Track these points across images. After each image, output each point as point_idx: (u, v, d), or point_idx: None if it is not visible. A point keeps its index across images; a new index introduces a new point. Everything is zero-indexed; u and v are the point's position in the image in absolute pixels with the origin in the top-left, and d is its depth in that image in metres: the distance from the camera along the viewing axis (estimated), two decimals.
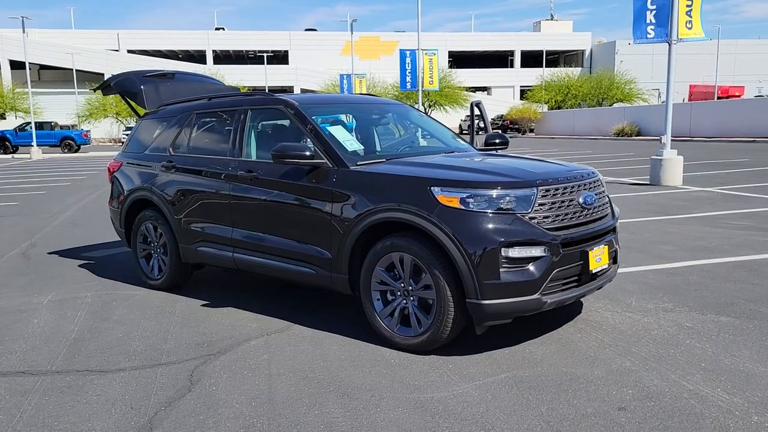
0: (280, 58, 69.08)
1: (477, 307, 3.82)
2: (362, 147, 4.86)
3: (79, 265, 7.21)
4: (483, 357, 4.02)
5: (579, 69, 70.05)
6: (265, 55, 62.07)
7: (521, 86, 70.30)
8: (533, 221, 3.91)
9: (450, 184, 3.99)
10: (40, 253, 7.99)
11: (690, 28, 12.63)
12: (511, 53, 72.46)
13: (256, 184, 4.95)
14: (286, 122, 5.13)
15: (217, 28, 72.73)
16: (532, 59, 72.55)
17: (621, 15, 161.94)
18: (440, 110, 59.65)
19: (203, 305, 5.41)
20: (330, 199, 4.45)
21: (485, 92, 69.23)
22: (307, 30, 74.33)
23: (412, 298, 4.13)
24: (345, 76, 40.29)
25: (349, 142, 4.79)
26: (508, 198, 3.90)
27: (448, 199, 3.91)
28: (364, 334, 4.48)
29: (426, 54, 27.86)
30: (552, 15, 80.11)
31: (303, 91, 68.04)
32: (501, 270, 3.79)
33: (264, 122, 5.39)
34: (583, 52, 73.08)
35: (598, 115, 47.00)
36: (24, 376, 4.00)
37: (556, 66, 71.36)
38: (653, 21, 12.61)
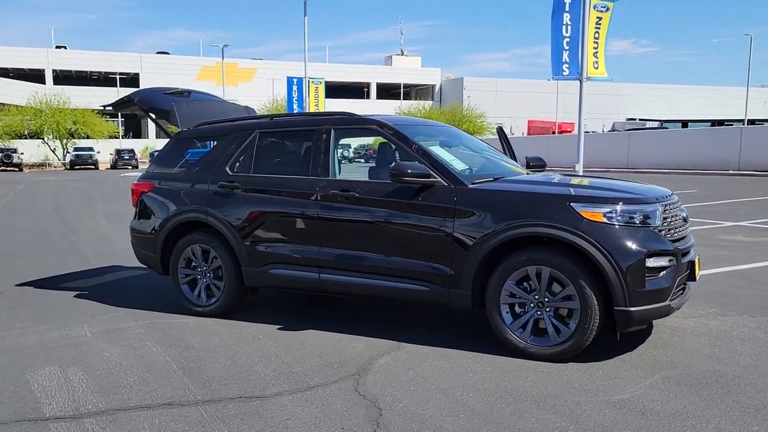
0: (128, 81, 65.74)
1: (625, 314, 4.14)
2: (467, 166, 5.04)
3: (75, 296, 6.61)
4: (617, 362, 4.33)
5: (430, 102, 73.57)
6: (117, 77, 58.98)
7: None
8: (661, 233, 4.33)
9: (589, 201, 4.30)
10: (7, 287, 7.18)
11: (597, 68, 14.03)
12: (367, 85, 74.57)
13: (354, 203, 4.94)
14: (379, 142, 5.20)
15: (58, 47, 67.83)
16: (386, 92, 75.12)
17: (451, 54, 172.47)
18: None
19: (280, 329, 5.24)
20: (452, 216, 4.57)
21: None
22: (159, 53, 71.52)
23: (548, 309, 4.36)
24: None
25: (455, 161, 4.97)
26: (641, 212, 4.29)
27: (592, 214, 4.22)
28: (484, 345, 4.63)
29: (313, 82, 28.12)
30: (402, 50, 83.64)
31: None
32: (646, 279, 4.15)
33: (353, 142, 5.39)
34: (433, 86, 76.90)
35: None
36: (176, 408, 3.72)
37: (408, 99, 74.46)
38: (567, 60, 13.84)
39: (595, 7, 13.87)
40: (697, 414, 3.49)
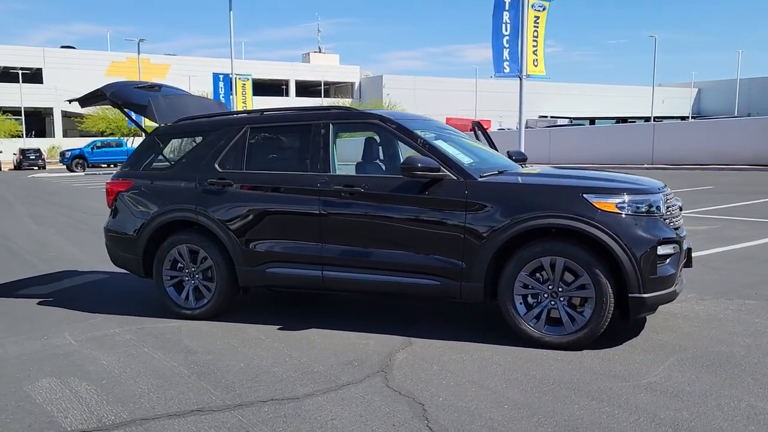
0: (30, 76, 62.17)
1: (639, 300, 4.28)
2: (471, 160, 5.06)
3: (39, 303, 6.21)
4: (628, 348, 4.46)
5: (350, 100, 73.54)
6: (19, 72, 55.75)
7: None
8: (666, 222, 4.50)
9: (601, 192, 4.42)
10: None
11: (536, 66, 14.45)
12: (286, 83, 73.70)
13: (360, 199, 4.87)
14: (377, 137, 5.15)
15: None
16: (304, 89, 74.50)
17: (365, 52, 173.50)
18: None
19: (281, 329, 5.10)
20: (464, 210, 4.59)
21: None
22: (64, 47, 67.97)
23: (561, 298, 4.45)
24: None
25: (460, 155, 4.98)
26: (647, 202, 4.44)
27: (605, 204, 4.34)
28: (494, 337, 4.67)
29: (240, 79, 27.53)
30: (320, 48, 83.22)
31: (64, 113, 62.13)
32: (657, 266, 4.31)
33: (353, 137, 5.33)
34: (353, 84, 76.91)
35: None
36: (207, 414, 3.56)
37: (328, 96, 74.18)
38: (508, 58, 14.19)
39: (533, 6, 14.29)
40: (724, 393, 3.65)
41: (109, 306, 5.99)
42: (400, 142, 5.47)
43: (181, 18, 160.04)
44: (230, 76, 26.12)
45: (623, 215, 4.33)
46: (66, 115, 62.49)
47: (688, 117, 78.06)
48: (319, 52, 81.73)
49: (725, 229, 9.99)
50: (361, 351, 4.54)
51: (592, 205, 4.34)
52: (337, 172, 5.08)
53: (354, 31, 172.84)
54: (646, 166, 28.31)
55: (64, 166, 43.40)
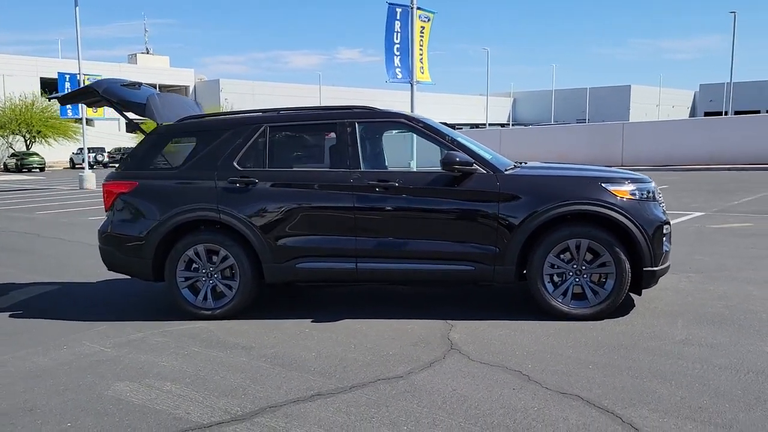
0: None
1: (652, 273, 5.01)
2: (491, 156, 5.52)
3: (11, 316, 5.75)
4: (637, 315, 5.17)
5: None
6: None
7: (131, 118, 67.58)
8: (662, 206, 5.29)
9: (615, 181, 5.10)
10: None
11: (423, 73, 15.29)
12: None
13: (395, 193, 5.16)
14: (403, 134, 5.45)
15: None
16: None
17: (187, 56, 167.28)
18: (44, 143, 53.78)
19: (315, 322, 5.23)
20: (497, 200, 5.05)
21: (88, 124, 64.33)
22: None
23: (585, 276, 5.07)
24: None
25: (483, 151, 5.43)
26: (647, 190, 5.20)
27: (621, 192, 5.02)
28: (518, 314, 5.19)
29: (89, 80, 25.70)
30: (147, 49, 79.34)
31: None
32: (663, 243, 5.07)
33: (378, 135, 5.56)
34: (187, 87, 74.21)
35: None
36: (330, 397, 3.71)
37: None
38: (399, 65, 14.87)
39: (420, 17, 15.10)
40: (744, 342, 4.44)
41: (95, 313, 5.76)
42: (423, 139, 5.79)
43: None
44: (77, 76, 24.33)
45: (635, 200, 5.04)
46: None
47: (508, 124, 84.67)
48: (147, 53, 77.97)
49: None
50: (415, 334, 4.84)
51: (612, 192, 5.00)
52: (375, 169, 5.33)
53: (175, 33, 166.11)
54: None
55: None
